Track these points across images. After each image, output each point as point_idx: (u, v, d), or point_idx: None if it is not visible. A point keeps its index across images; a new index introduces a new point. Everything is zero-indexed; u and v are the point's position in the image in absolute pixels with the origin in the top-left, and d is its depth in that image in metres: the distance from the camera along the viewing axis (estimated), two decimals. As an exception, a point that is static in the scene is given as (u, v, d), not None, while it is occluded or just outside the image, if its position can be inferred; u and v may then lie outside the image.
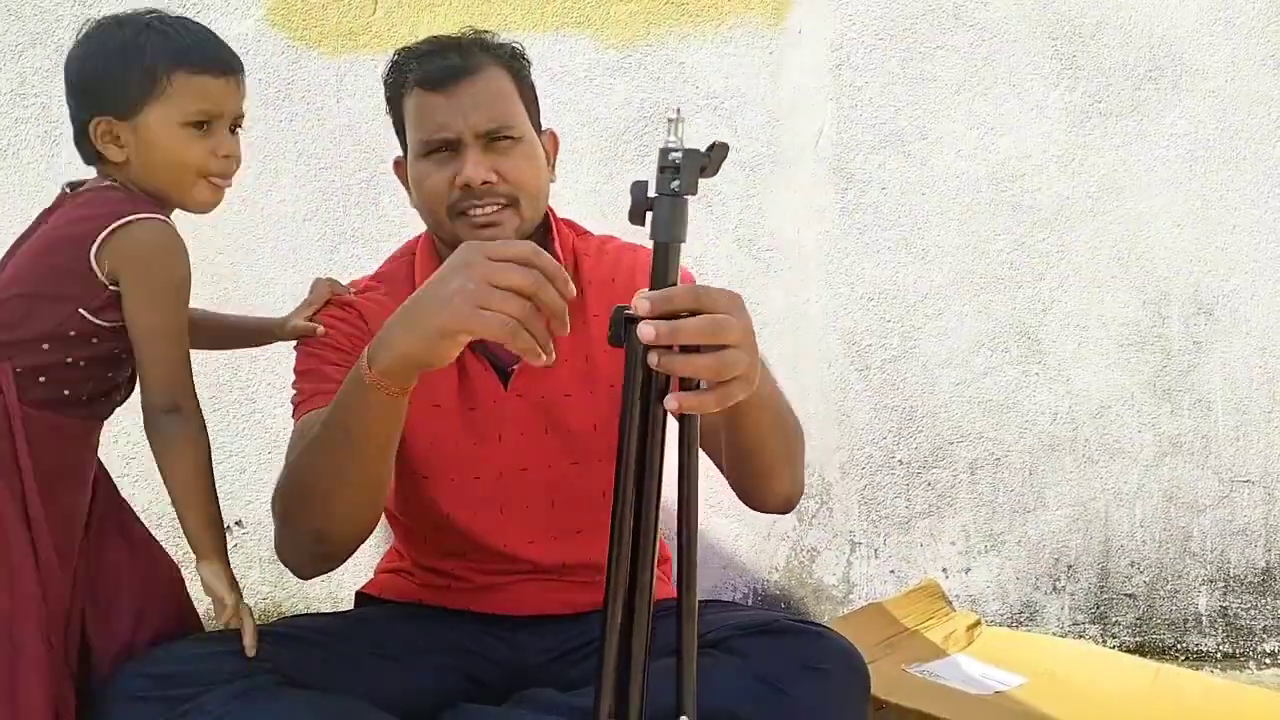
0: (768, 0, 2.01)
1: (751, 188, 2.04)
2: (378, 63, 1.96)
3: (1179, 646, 2.02)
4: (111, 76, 1.13)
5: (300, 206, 2.07)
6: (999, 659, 1.72)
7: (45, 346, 1.10)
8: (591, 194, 2.01)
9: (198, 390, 1.19)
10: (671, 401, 0.80)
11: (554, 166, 1.33)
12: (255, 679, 1.16)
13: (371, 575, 1.44)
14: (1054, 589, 2.03)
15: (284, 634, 1.33)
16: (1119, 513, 2.01)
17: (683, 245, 0.78)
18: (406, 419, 1.30)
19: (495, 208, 1.22)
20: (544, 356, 0.86)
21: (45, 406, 1.10)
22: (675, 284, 0.81)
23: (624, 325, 0.80)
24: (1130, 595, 2.02)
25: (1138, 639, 2.02)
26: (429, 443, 1.32)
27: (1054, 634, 2.02)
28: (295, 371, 1.34)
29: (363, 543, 1.12)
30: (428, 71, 1.22)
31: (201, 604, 1.59)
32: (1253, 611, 2.00)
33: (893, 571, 2.06)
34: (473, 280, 0.86)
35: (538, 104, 1.31)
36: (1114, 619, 2.03)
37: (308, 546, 1.14)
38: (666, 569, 1.49)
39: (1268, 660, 2.01)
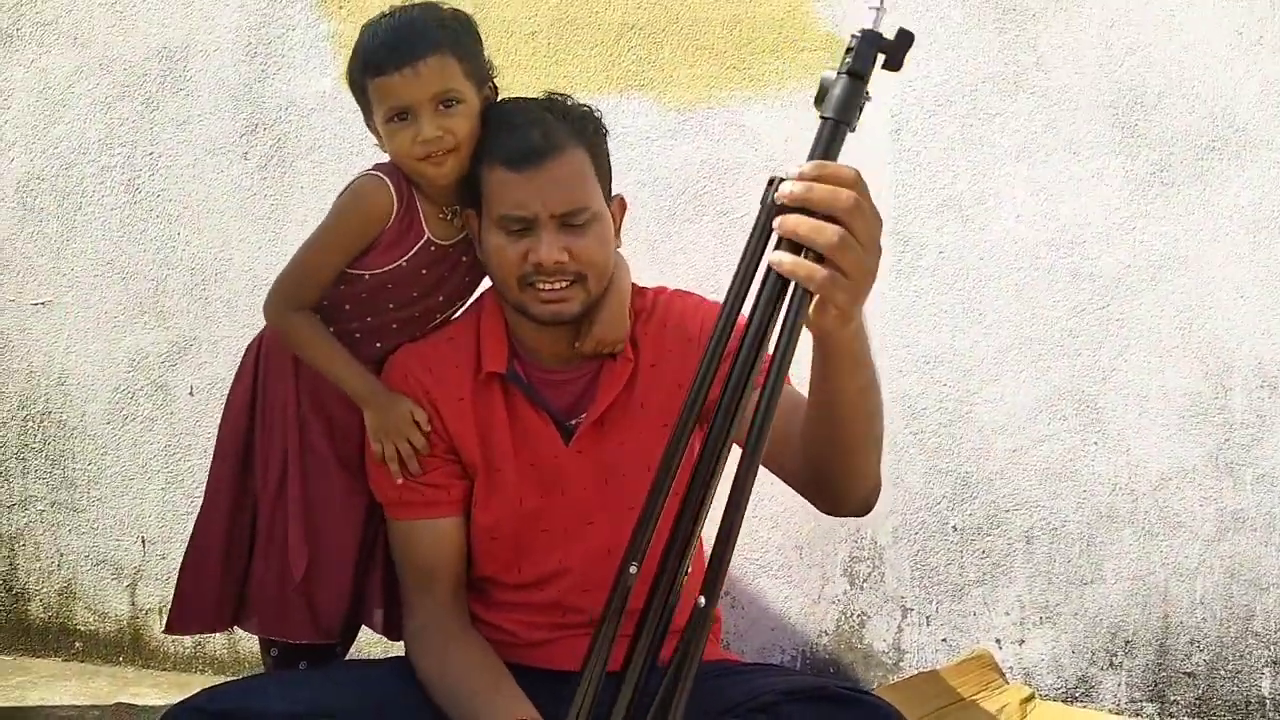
0: (829, 66, 2.04)
1: (808, 249, 2.06)
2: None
3: (1241, 729, 1.95)
4: (351, 85, 1.36)
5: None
6: (1053, 735, 1.68)
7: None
8: (650, 251, 2.04)
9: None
10: (777, 255, 0.78)
11: (619, 232, 1.37)
12: (308, 720, 1.19)
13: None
14: (1110, 664, 1.98)
15: (343, 678, 1.36)
16: (1179, 588, 1.96)
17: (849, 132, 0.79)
18: (474, 480, 1.35)
19: (564, 284, 1.25)
20: None
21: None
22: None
23: (769, 185, 0.80)
24: (1189, 674, 1.96)
25: (1196, 719, 1.96)
26: (492, 506, 1.35)
27: (1110, 711, 1.96)
28: (370, 460, 1.37)
29: None
30: (510, 150, 1.25)
31: (257, 643, 1.65)
32: (1320, 696, 1.93)
33: (944, 640, 2.03)
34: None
35: (610, 172, 1.35)
36: (1172, 698, 1.97)
37: None
38: (715, 630, 1.49)
39: (1336, 748, 1.93)
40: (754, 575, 2.07)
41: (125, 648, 2.26)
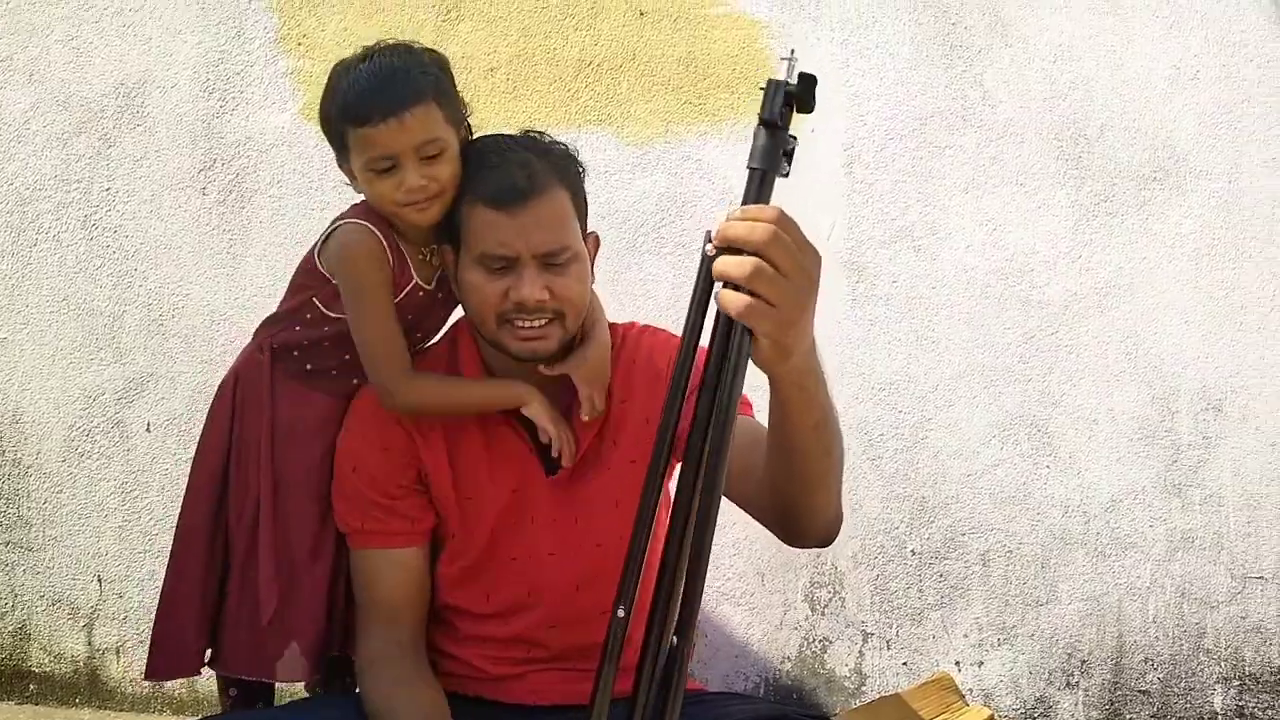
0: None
1: (766, 279, 2.09)
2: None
3: (1195, 746, 1.99)
4: (326, 130, 1.35)
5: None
6: (1012, 756, 1.70)
7: (296, 327, 1.39)
8: (611, 284, 2.04)
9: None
10: (723, 298, 0.80)
11: (594, 267, 1.38)
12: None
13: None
14: (1067, 684, 2.02)
15: (305, 716, 1.36)
16: (1132, 608, 2.00)
17: (777, 179, 0.82)
18: (443, 509, 1.35)
19: (542, 322, 1.26)
20: None
21: (294, 377, 1.38)
22: None
23: (705, 240, 0.83)
24: (1144, 692, 2.00)
25: (1153, 737, 2.00)
26: (464, 534, 1.35)
27: (1068, 730, 2.00)
28: (337, 489, 1.36)
29: None
30: (493, 188, 1.25)
31: (202, 680, 1.63)
32: (1270, 711, 1.98)
33: (905, 663, 2.05)
34: None
35: (586, 209, 1.35)
36: (1128, 715, 2.00)
37: None
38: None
39: (1286, 762, 1.98)
40: (717, 602, 2.08)
41: (82, 689, 2.22)
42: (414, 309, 1.37)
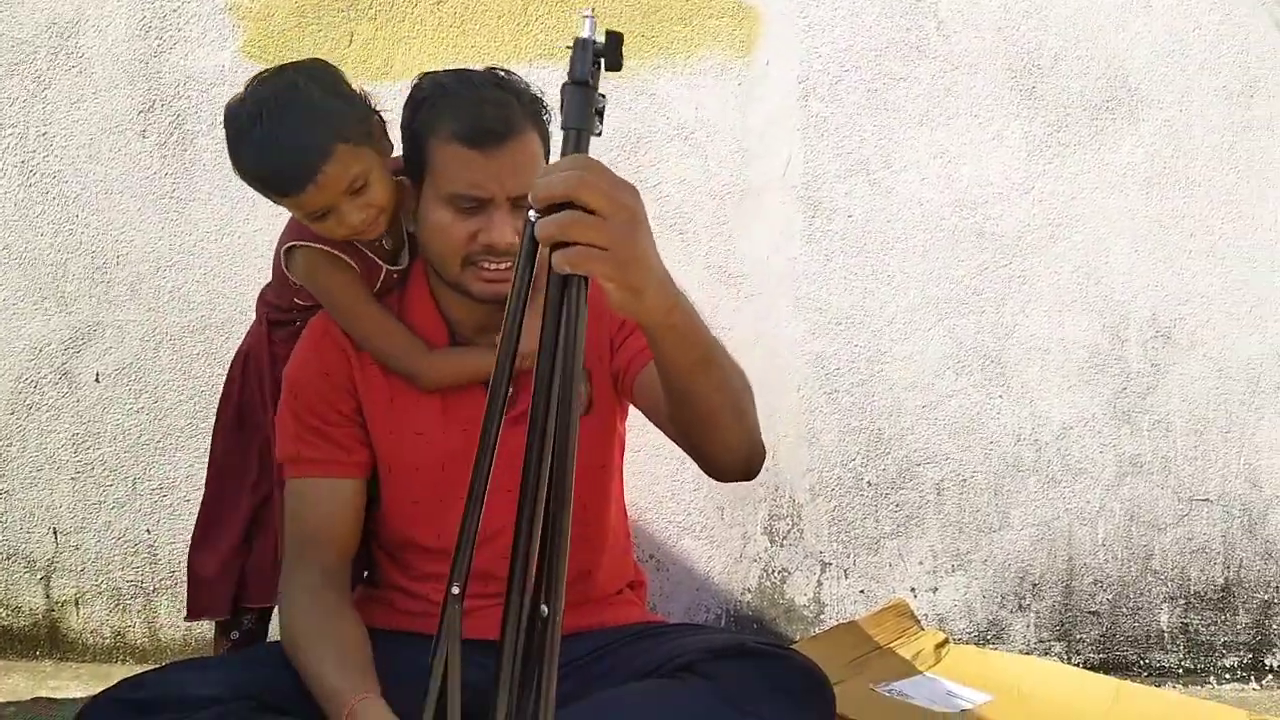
0: (736, 34, 2.06)
1: (721, 216, 2.08)
2: (353, 93, 2.01)
3: (1142, 663, 2.06)
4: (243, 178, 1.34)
5: (277, 234, 2.10)
6: (966, 677, 1.75)
7: (286, 310, 1.46)
8: (564, 222, 2.04)
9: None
10: (554, 258, 0.80)
11: None
12: (230, 705, 1.18)
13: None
14: (1019, 607, 2.07)
15: (261, 660, 1.36)
16: (1082, 532, 2.05)
17: (591, 137, 0.81)
18: (391, 445, 1.35)
19: (507, 264, 1.24)
20: None
21: (290, 340, 1.42)
22: None
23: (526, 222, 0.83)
24: (1094, 613, 2.06)
25: (1101, 656, 2.06)
26: (413, 469, 1.34)
27: (1020, 651, 2.05)
28: (282, 407, 1.37)
29: None
30: (467, 128, 1.21)
31: (179, 630, 1.64)
32: (1212, 628, 2.05)
33: (862, 591, 2.09)
34: None
35: (549, 153, 1.32)
36: (1078, 636, 2.06)
37: None
38: (641, 594, 1.52)
39: (1227, 675, 2.05)
40: (678, 537, 2.10)
41: (41, 641, 2.20)
42: (391, 286, 1.38)
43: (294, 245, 1.36)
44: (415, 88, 1.30)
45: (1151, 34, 2.02)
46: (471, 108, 1.23)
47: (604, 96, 0.82)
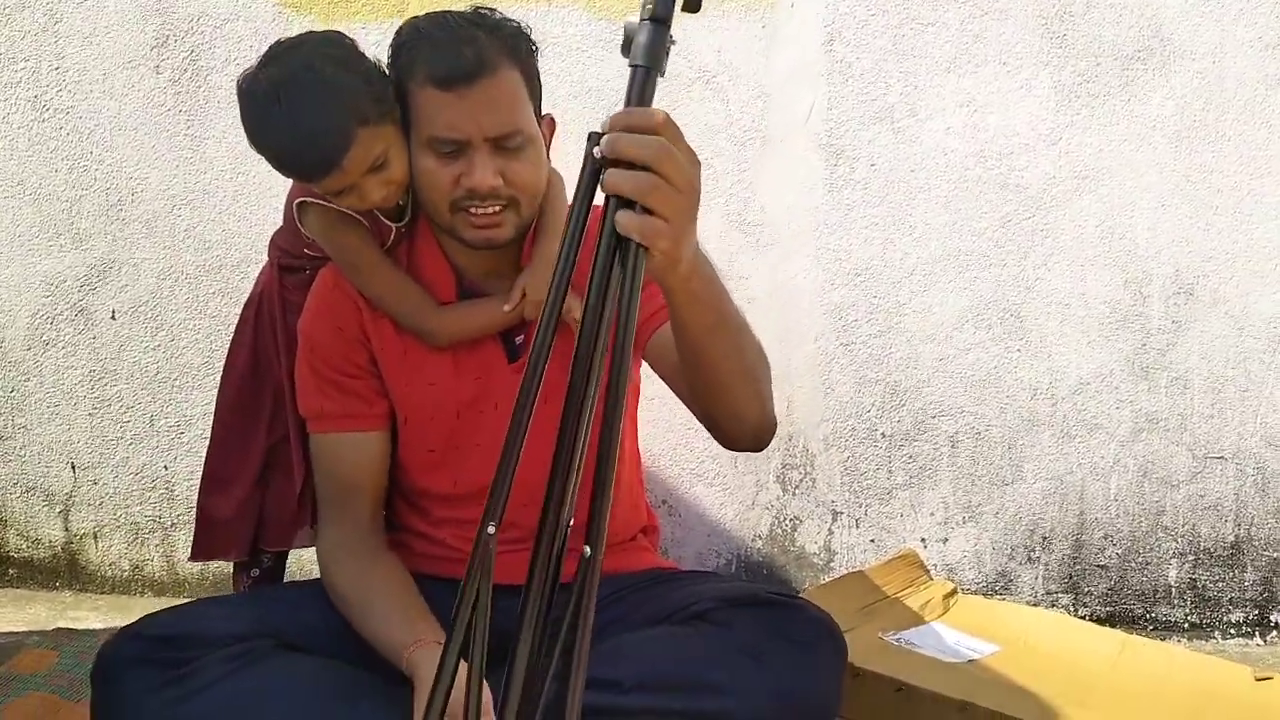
0: (757, -25, 2.02)
1: (742, 163, 2.06)
2: (369, 29, 1.98)
3: (1148, 616, 2.07)
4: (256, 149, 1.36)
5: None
6: (974, 627, 1.76)
7: (301, 249, 1.43)
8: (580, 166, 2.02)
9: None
10: (622, 220, 0.80)
11: (550, 151, 1.34)
12: (252, 643, 1.20)
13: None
14: (1029, 559, 2.08)
15: (281, 598, 1.38)
16: (1094, 487, 2.06)
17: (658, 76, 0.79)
18: (405, 396, 1.35)
19: (496, 208, 1.23)
20: None
21: (301, 288, 1.43)
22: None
23: (589, 140, 0.81)
24: (1103, 566, 2.07)
25: (1109, 609, 2.08)
26: (428, 419, 1.35)
27: (1028, 603, 2.07)
28: (300, 363, 1.37)
29: None
30: (441, 68, 1.19)
31: (196, 565, 1.64)
32: (1220, 584, 2.06)
33: (873, 541, 2.10)
34: None
35: (540, 91, 1.31)
36: (1086, 589, 2.08)
37: None
38: (654, 539, 1.53)
39: (1232, 631, 2.06)
40: (690, 484, 2.12)
41: (61, 572, 2.24)
42: (400, 240, 1.37)
43: (306, 201, 1.34)
44: (395, 34, 1.28)
45: (1188, -19, 1.97)
46: (444, 49, 1.21)
47: (673, 40, 0.80)
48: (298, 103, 1.18)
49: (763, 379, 1.15)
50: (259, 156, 2.11)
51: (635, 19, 0.80)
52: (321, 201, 1.31)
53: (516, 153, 1.23)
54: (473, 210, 1.23)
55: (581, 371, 0.81)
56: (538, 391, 0.85)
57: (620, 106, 0.80)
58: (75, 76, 2.14)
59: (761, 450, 1.19)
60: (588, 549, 0.81)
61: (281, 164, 1.26)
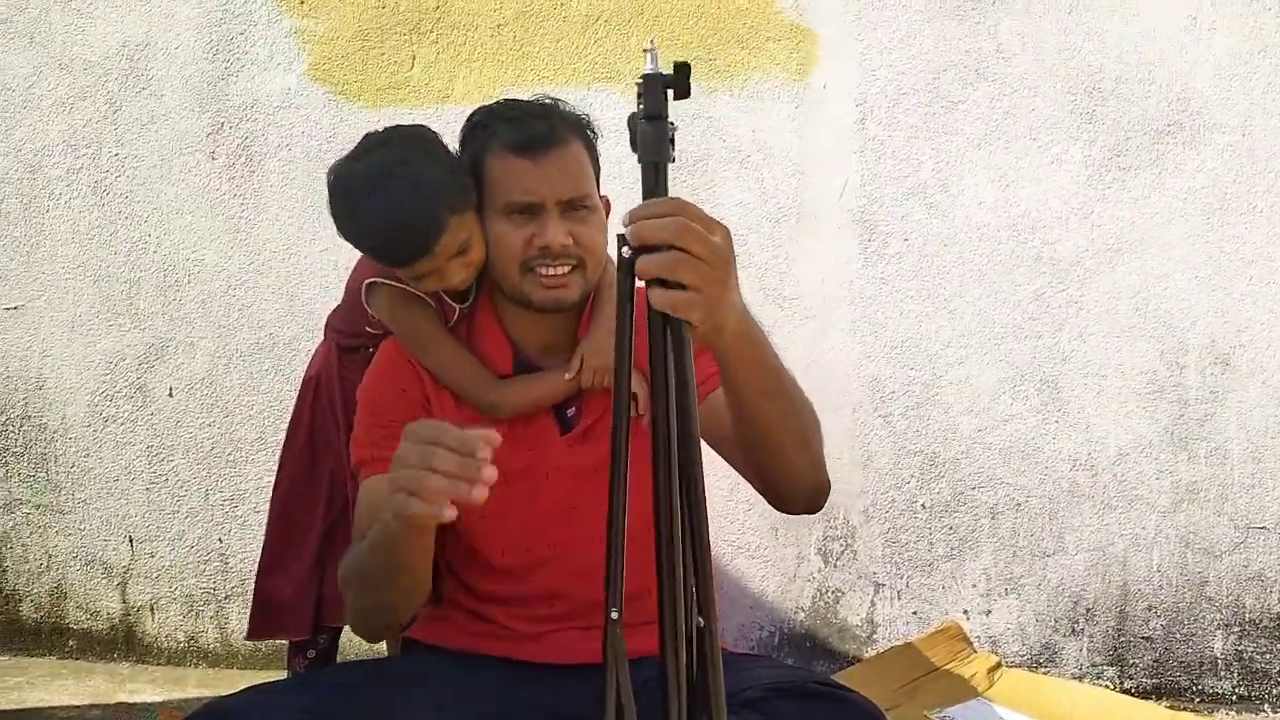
0: (794, 57, 2.07)
1: (777, 238, 2.10)
2: (415, 115, 2.05)
3: (1195, 689, 2.06)
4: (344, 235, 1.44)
5: (342, 255, 2.14)
6: (1019, 703, 1.77)
7: (355, 336, 1.53)
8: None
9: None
10: (655, 296, 0.84)
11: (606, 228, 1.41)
12: (305, 730, 1.24)
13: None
14: (1073, 631, 2.08)
15: (334, 683, 1.41)
16: (1137, 558, 2.06)
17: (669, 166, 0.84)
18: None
19: (566, 269, 1.29)
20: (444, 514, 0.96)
21: (360, 367, 1.46)
22: None
23: (619, 241, 0.86)
24: (1147, 638, 2.07)
25: (1154, 680, 2.07)
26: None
27: (1072, 675, 2.06)
28: (358, 425, 1.41)
29: (416, 613, 1.24)
30: (517, 137, 1.28)
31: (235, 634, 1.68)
32: (1268, 655, 2.04)
33: (915, 613, 2.11)
34: (403, 475, 0.99)
35: (599, 171, 1.39)
36: (1131, 661, 2.07)
37: (367, 623, 1.29)
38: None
39: (1282, 703, 2.05)
40: (732, 556, 2.14)
41: (119, 644, 2.30)
42: (461, 319, 1.43)
43: (375, 282, 1.41)
44: (469, 118, 1.37)
45: (1214, 56, 2.00)
46: (520, 123, 1.30)
47: (674, 125, 0.85)
48: (393, 194, 1.26)
49: (816, 441, 1.17)
50: (310, 238, 2.19)
51: (637, 116, 0.84)
52: (391, 282, 1.37)
53: (585, 216, 1.30)
54: (542, 271, 1.29)
55: (662, 438, 0.86)
56: (625, 473, 0.90)
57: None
58: (134, 163, 2.23)
59: (816, 512, 1.22)
60: (700, 620, 0.86)
61: (375, 251, 1.33)
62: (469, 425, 1.38)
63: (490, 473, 0.96)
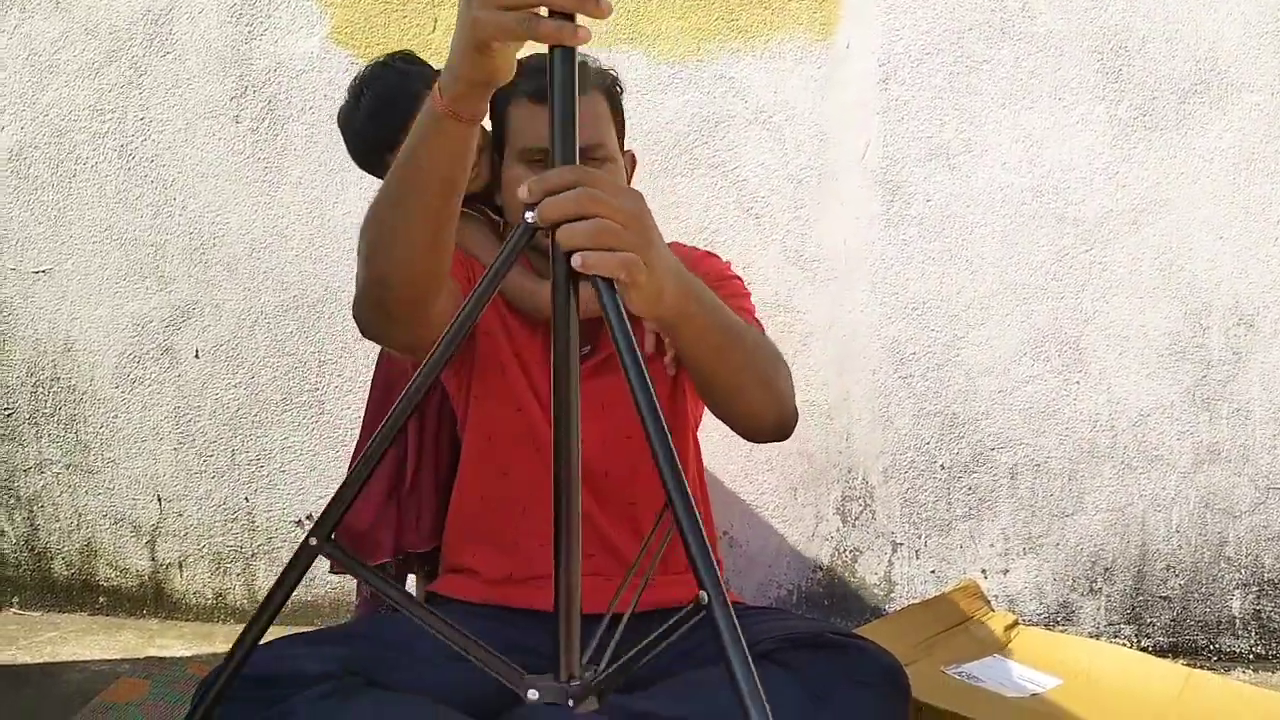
0: (816, 16, 2.06)
1: (799, 200, 2.10)
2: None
3: (1212, 648, 2.07)
4: (358, 151, 1.60)
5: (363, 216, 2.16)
6: (1035, 660, 1.78)
7: None
8: (643, 206, 2.08)
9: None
10: (577, 258, 0.83)
11: (630, 184, 1.43)
12: (343, 680, 1.26)
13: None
14: (1090, 590, 2.09)
15: (361, 634, 1.44)
16: (1156, 518, 2.06)
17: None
18: (492, 421, 1.40)
19: None
20: (578, 32, 0.86)
21: None
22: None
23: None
24: (1165, 598, 2.07)
25: (1171, 640, 2.08)
26: (511, 441, 1.41)
27: (1089, 634, 2.08)
28: None
29: (420, 304, 1.17)
30: (536, 85, 1.29)
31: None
32: (1286, 615, 2.05)
33: (933, 572, 2.13)
34: None
35: (624, 128, 1.42)
36: (1149, 620, 2.08)
37: (371, 292, 1.20)
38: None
39: (1300, 663, 2.06)
40: (750, 515, 2.16)
41: (148, 601, 2.34)
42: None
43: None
44: None
45: (1244, 14, 1.97)
46: (541, 73, 1.28)
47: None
48: (383, 80, 1.46)
49: (775, 377, 1.19)
50: (334, 200, 2.20)
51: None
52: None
53: (600, 166, 1.32)
54: None
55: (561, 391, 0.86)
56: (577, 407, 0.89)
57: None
58: (159, 126, 2.24)
59: (785, 439, 1.23)
60: (703, 595, 0.83)
61: (369, 138, 1.45)
62: (515, 329, 1.41)
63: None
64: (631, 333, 0.83)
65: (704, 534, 0.80)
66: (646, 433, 0.82)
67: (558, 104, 0.84)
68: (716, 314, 1.05)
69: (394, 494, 1.64)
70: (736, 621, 0.80)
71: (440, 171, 1.06)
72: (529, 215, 0.84)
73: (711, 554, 0.81)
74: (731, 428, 1.24)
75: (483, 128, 1.38)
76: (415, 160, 1.06)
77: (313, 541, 0.85)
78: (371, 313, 1.23)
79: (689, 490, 0.81)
